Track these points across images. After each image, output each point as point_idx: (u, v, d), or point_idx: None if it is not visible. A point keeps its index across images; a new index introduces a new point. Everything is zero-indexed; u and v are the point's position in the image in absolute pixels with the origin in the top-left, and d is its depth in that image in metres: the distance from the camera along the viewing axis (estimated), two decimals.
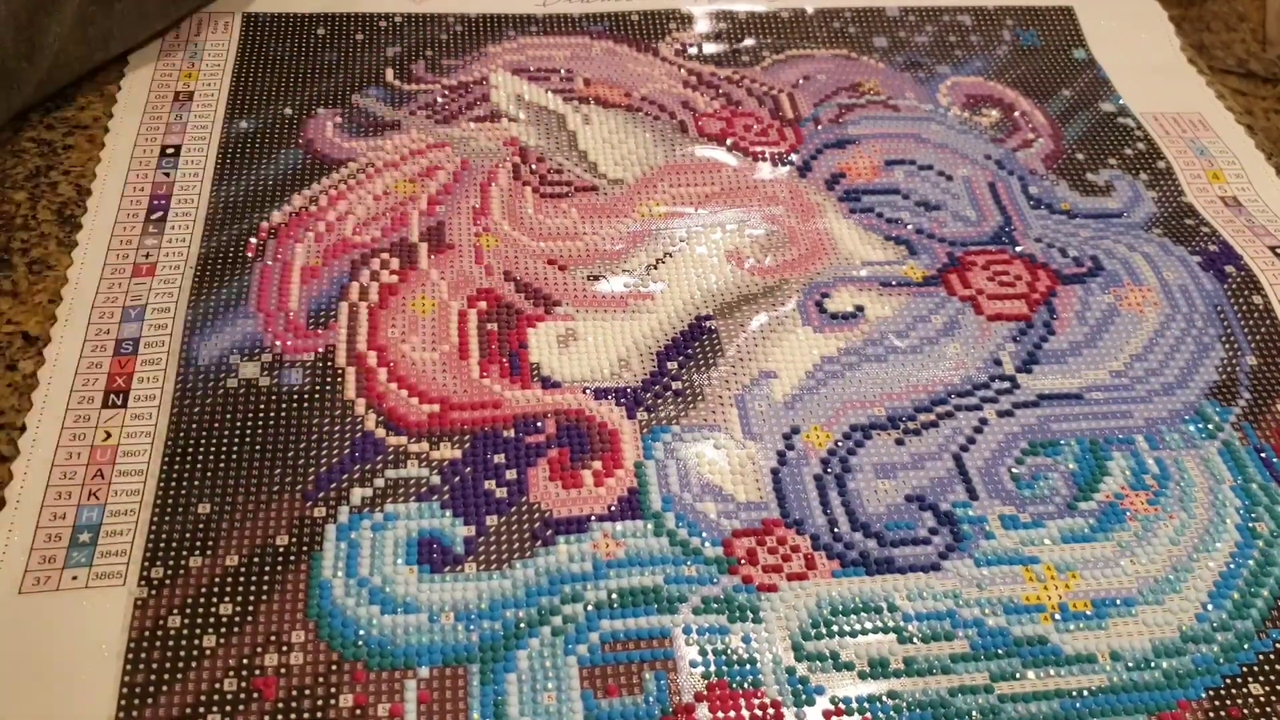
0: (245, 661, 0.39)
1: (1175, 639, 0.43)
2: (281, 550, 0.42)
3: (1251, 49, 0.71)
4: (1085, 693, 0.41)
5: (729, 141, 0.61)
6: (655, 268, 0.54)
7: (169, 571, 0.41)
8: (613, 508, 0.45)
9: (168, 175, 0.55)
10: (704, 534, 0.44)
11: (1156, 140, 0.63)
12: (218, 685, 0.39)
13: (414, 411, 0.47)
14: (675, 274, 0.54)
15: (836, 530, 0.45)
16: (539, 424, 0.47)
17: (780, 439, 0.48)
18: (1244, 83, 0.68)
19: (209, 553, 0.42)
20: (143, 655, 0.39)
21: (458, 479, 0.45)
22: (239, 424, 0.46)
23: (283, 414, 0.46)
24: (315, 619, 0.41)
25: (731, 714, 0.40)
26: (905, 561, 0.44)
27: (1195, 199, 0.60)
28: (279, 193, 0.55)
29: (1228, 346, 0.53)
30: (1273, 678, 0.42)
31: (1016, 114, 0.64)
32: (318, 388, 0.47)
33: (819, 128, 0.62)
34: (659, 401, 0.49)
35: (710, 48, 0.66)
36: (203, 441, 0.45)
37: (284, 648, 0.40)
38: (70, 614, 0.40)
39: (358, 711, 0.38)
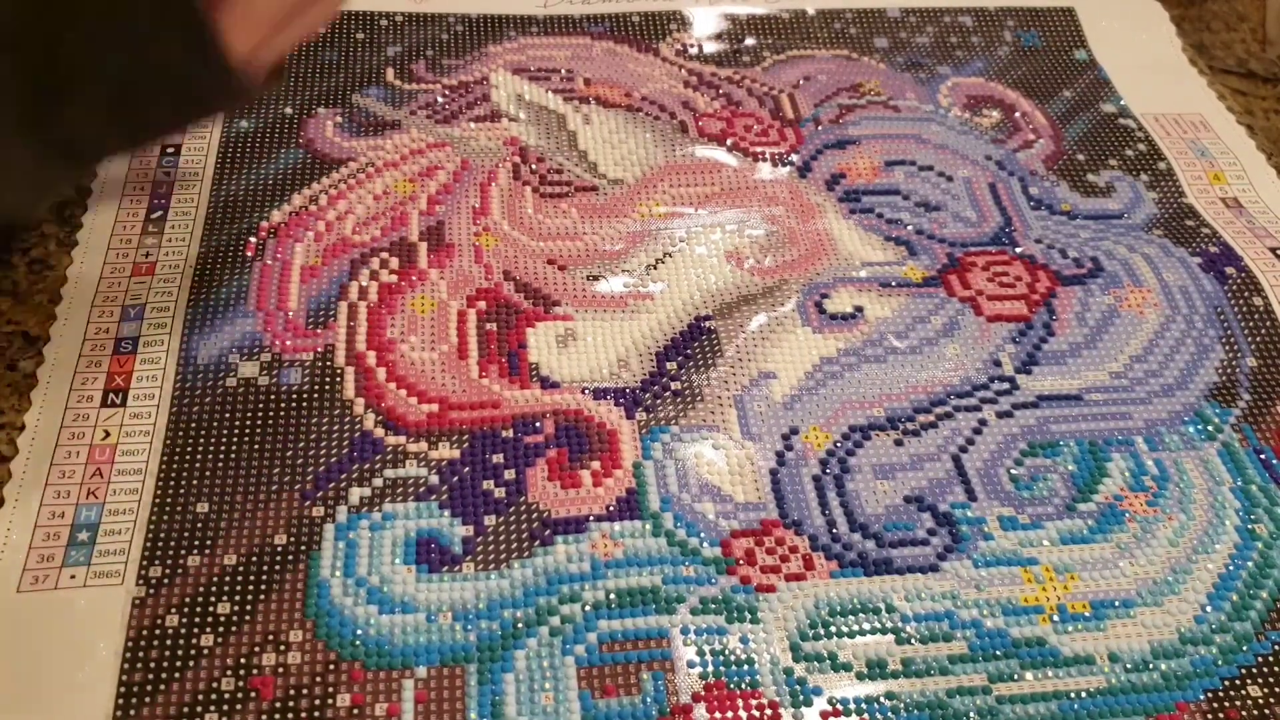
0: (243, 661, 0.39)
1: (1174, 641, 0.43)
2: (280, 550, 0.42)
3: (1251, 49, 0.70)
4: (1083, 694, 0.41)
5: (729, 142, 0.61)
6: (655, 268, 0.54)
7: (167, 571, 0.41)
8: (611, 508, 0.45)
9: (168, 174, 0.55)
10: (702, 534, 0.44)
11: (1157, 141, 0.63)
12: (215, 684, 0.39)
13: (413, 411, 0.47)
14: (675, 274, 0.54)
15: (835, 531, 0.45)
16: (538, 424, 0.47)
17: (779, 439, 0.48)
18: (1244, 83, 0.68)
19: (207, 552, 0.42)
20: (141, 654, 0.39)
21: (456, 479, 0.45)
22: (238, 423, 0.46)
23: (281, 413, 0.46)
24: (313, 618, 0.41)
25: (729, 714, 0.40)
26: (904, 562, 0.44)
27: (1196, 200, 0.60)
28: (279, 192, 0.55)
29: (1228, 348, 0.53)
30: (1271, 680, 0.42)
31: (1017, 115, 0.64)
32: (317, 387, 0.47)
33: (819, 128, 0.62)
34: (658, 402, 0.49)
35: (711, 48, 0.66)
36: (201, 441, 0.45)
37: (282, 647, 0.40)
38: (68, 613, 0.40)
39: (355, 711, 0.39)
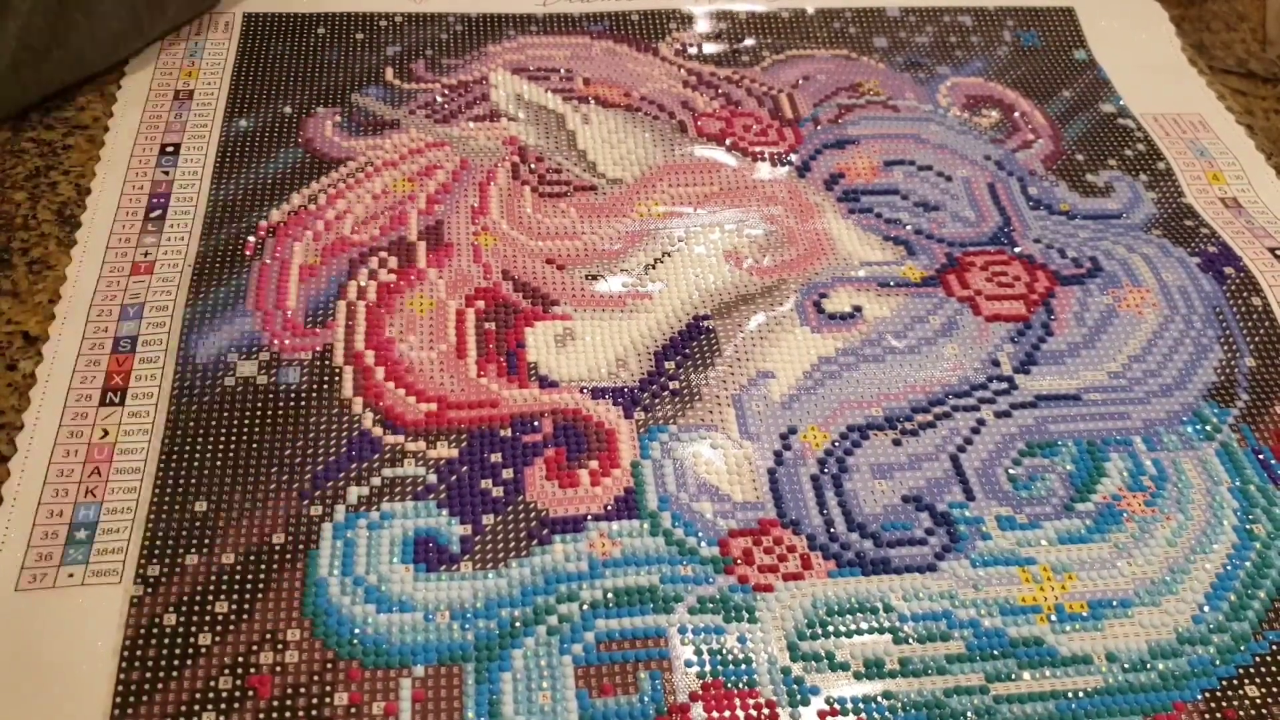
0: (241, 660, 0.39)
1: (1171, 640, 0.43)
2: (278, 548, 0.42)
3: (1251, 49, 0.70)
4: (1081, 694, 0.41)
5: (728, 141, 0.61)
6: (653, 267, 0.54)
7: (165, 569, 0.41)
8: (609, 507, 0.45)
9: (167, 174, 0.55)
10: (700, 534, 0.44)
11: (1156, 141, 0.63)
12: (213, 683, 0.39)
13: (411, 410, 0.47)
14: (673, 274, 0.54)
15: (833, 530, 0.45)
16: (536, 423, 0.47)
17: (777, 439, 0.48)
18: (1244, 83, 0.68)
19: (205, 551, 0.42)
20: (138, 653, 0.39)
21: (454, 478, 0.45)
22: (236, 422, 0.46)
23: (280, 413, 0.46)
24: (311, 617, 0.41)
25: (726, 714, 0.40)
26: (901, 562, 0.44)
27: (1195, 200, 0.60)
28: (278, 191, 0.55)
29: (1226, 348, 0.53)
30: (1269, 680, 0.42)
31: (1016, 115, 0.64)
32: (315, 386, 0.48)
33: (818, 128, 0.62)
34: (656, 401, 0.49)
35: (710, 48, 0.66)
36: (200, 439, 0.45)
37: (279, 646, 0.40)
38: (66, 611, 0.40)
39: (352, 710, 0.39)
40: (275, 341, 0.49)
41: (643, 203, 0.57)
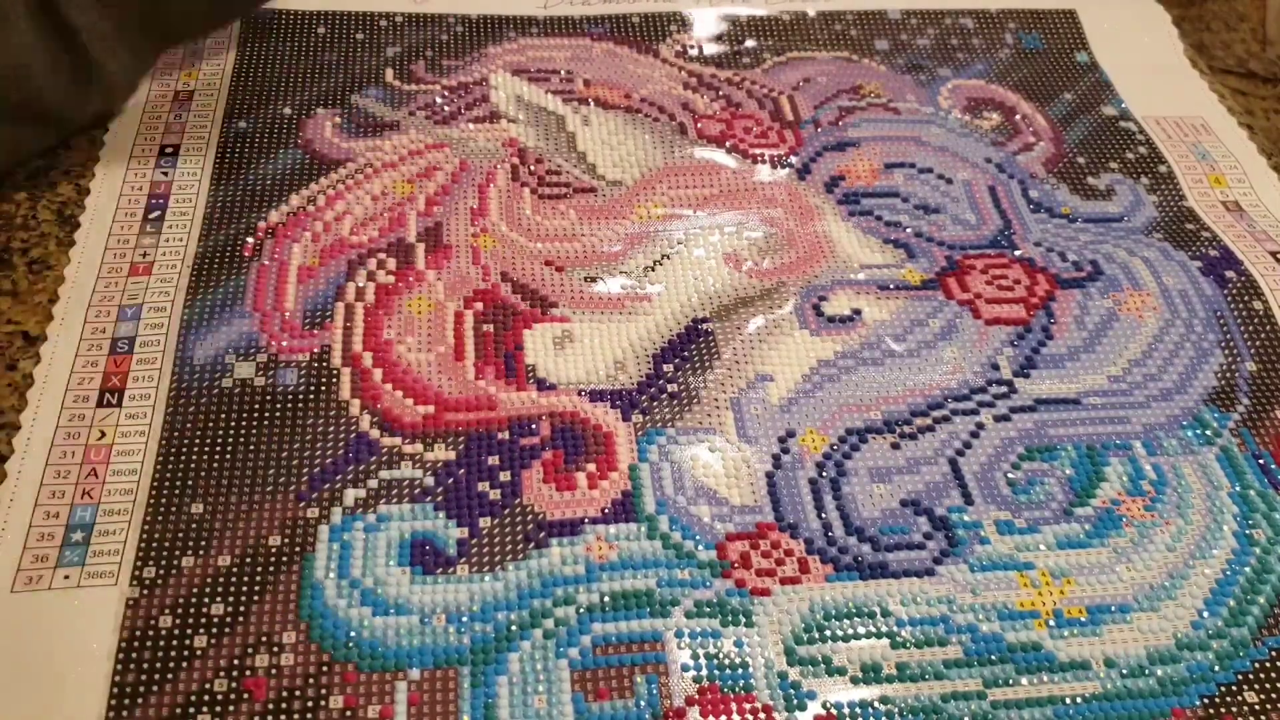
0: (236, 662, 0.39)
1: (1170, 646, 0.43)
2: (274, 551, 0.42)
3: (1251, 49, 0.70)
4: (1079, 699, 0.41)
5: (728, 143, 0.60)
6: (653, 270, 0.54)
7: (161, 571, 0.41)
8: (606, 510, 0.45)
9: (166, 175, 0.55)
10: (697, 537, 0.44)
11: (1158, 144, 0.63)
12: (208, 685, 0.39)
13: (409, 412, 0.47)
14: (672, 276, 0.54)
15: (831, 534, 0.45)
16: (534, 426, 0.47)
17: (775, 442, 0.48)
18: (1244, 83, 0.68)
19: (201, 553, 0.42)
20: (133, 655, 0.39)
21: (451, 480, 0.45)
22: (233, 424, 0.46)
23: (277, 414, 0.46)
24: (307, 620, 0.40)
25: (723, 718, 0.39)
26: (899, 566, 0.44)
27: (1196, 203, 0.60)
28: (277, 192, 0.55)
29: (1227, 352, 0.53)
30: (1268, 686, 0.42)
31: (1018, 117, 0.64)
32: (313, 388, 0.47)
33: (819, 130, 0.62)
34: (654, 404, 0.48)
35: (711, 49, 0.66)
36: (197, 441, 0.45)
37: (275, 649, 0.40)
38: (62, 613, 0.40)
39: (348, 713, 0.38)
40: (273, 343, 0.49)
41: (642, 205, 0.57)
